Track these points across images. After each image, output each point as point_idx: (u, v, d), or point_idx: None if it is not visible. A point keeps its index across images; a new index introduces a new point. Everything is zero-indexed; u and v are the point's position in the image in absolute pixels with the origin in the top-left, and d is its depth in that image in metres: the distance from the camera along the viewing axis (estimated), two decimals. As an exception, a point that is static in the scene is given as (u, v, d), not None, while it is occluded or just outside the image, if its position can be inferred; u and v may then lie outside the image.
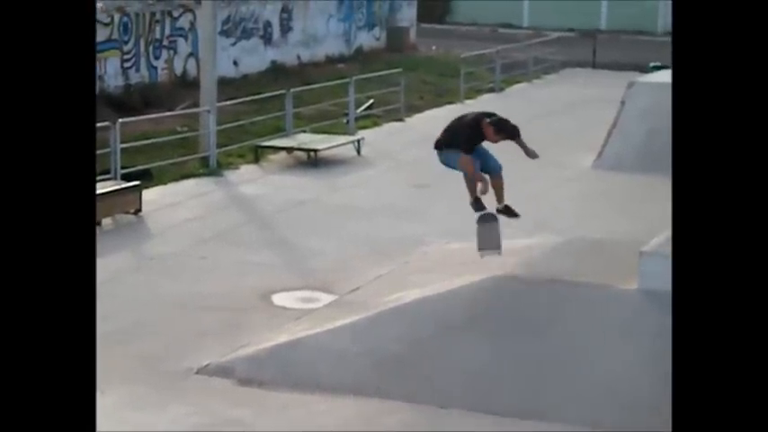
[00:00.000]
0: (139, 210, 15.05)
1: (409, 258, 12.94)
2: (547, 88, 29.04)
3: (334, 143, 19.49)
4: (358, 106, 22.70)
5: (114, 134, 15.94)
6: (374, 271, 12.47)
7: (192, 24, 25.14)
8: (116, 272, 12.53)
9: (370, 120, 23.03)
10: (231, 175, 17.86)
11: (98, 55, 22.23)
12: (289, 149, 19.22)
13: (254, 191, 16.93)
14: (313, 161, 18.78)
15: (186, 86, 23.84)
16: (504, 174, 10.97)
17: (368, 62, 30.12)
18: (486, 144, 10.89)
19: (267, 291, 12.02)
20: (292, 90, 20.72)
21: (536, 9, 44.27)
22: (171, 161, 17.61)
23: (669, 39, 11.57)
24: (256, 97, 21.60)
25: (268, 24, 28.67)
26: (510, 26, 43.34)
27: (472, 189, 10.84)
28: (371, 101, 23.86)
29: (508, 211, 10.99)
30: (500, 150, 11.04)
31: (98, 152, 15.05)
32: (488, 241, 10.87)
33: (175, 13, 25.16)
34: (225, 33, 26.54)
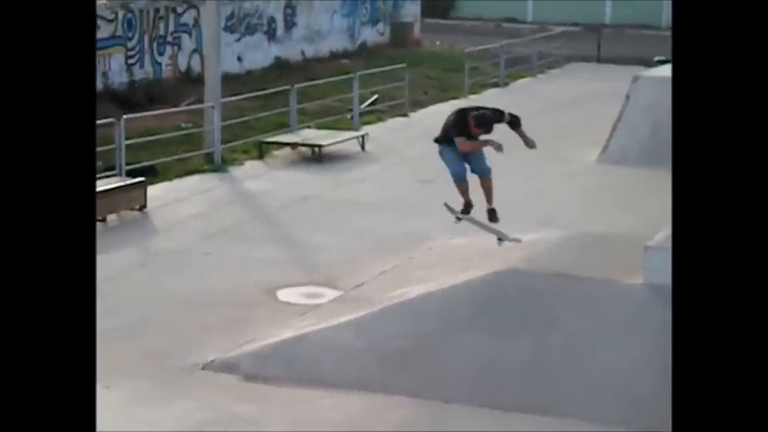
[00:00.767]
0: (144, 206, 15.06)
1: (414, 254, 12.94)
2: (551, 83, 28.99)
3: (339, 139, 19.48)
4: (362, 102, 22.67)
5: (119, 130, 15.93)
6: (379, 266, 12.47)
7: (196, 20, 25.14)
8: (121, 268, 12.55)
9: (375, 115, 22.97)
10: (236, 171, 17.85)
11: (102, 51, 22.25)
12: (293, 145, 19.21)
13: (258, 187, 16.93)
14: (317, 157, 18.76)
15: (190, 82, 23.82)
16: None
17: (372, 57, 30.09)
18: (485, 146, 11.39)
19: (272, 286, 12.03)
20: (296, 86, 20.68)
21: (540, 4, 44.19)
22: (175, 157, 17.60)
23: (673, 33, 11.62)
24: (260, 93, 21.58)
25: (272, 20, 28.67)
26: (514, 21, 43.26)
27: (464, 191, 11.59)
28: (376, 96, 23.83)
29: (492, 214, 11.74)
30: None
31: (103, 148, 15.12)
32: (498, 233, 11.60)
33: (179, 10, 25.16)
34: (229, 29, 26.54)
